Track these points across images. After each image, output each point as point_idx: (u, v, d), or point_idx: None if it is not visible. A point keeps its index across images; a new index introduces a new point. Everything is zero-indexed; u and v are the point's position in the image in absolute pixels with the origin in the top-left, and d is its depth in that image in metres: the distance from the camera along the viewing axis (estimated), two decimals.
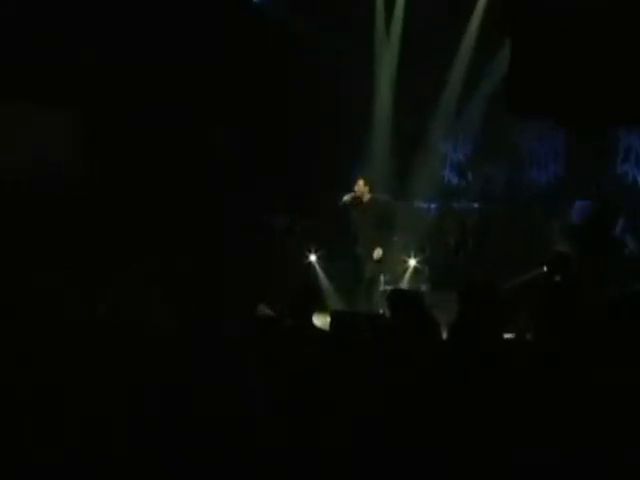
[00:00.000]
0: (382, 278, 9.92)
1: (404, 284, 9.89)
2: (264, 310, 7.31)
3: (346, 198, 8.66)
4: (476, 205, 11.16)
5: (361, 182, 8.85)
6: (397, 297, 5.49)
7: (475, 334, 3.93)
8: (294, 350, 4.30)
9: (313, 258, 10.11)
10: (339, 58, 10.69)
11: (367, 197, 8.76)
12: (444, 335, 4.95)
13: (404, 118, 10.91)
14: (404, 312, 5.14)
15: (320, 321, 5.92)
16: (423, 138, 11.11)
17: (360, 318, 5.60)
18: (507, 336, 4.66)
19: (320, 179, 10.53)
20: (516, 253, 9.93)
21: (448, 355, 3.86)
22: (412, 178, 10.89)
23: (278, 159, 10.37)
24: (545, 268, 7.73)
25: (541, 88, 7.47)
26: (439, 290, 9.11)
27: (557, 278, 7.23)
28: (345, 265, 9.75)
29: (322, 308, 7.90)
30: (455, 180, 11.67)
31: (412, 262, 10.11)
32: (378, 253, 8.67)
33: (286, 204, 10.58)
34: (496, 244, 10.44)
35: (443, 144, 11.59)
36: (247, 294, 7.88)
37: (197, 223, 9.58)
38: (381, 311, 8.11)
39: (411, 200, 11.12)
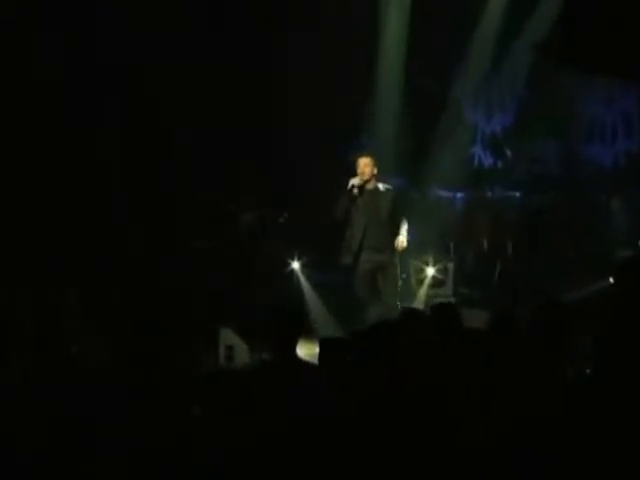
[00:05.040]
0: None
1: (419, 300, 9.61)
2: (230, 338, 7.11)
3: (356, 182, 8.13)
4: (517, 194, 11.00)
5: (367, 160, 8.29)
6: (410, 319, 5.20)
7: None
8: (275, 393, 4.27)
9: (296, 266, 9.85)
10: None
11: (372, 184, 8.27)
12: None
13: (420, 78, 10.62)
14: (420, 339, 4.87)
15: (306, 351, 5.69)
16: (446, 105, 10.88)
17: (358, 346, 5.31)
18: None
19: (309, 165, 10.21)
20: (572, 258, 9.66)
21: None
22: (431, 158, 10.67)
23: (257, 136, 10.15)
24: (612, 279, 7.44)
25: (607, 33, 7.15)
26: (468, 308, 8.82)
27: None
28: (338, 275, 9.38)
29: (308, 332, 7.58)
30: (489, 160, 11.52)
31: (430, 270, 9.87)
32: (402, 243, 8.25)
33: (264, 196, 10.31)
34: (545, 245, 10.19)
35: (473, 112, 11.43)
36: (207, 316, 7.69)
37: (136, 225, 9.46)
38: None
39: (430, 187, 10.89)
